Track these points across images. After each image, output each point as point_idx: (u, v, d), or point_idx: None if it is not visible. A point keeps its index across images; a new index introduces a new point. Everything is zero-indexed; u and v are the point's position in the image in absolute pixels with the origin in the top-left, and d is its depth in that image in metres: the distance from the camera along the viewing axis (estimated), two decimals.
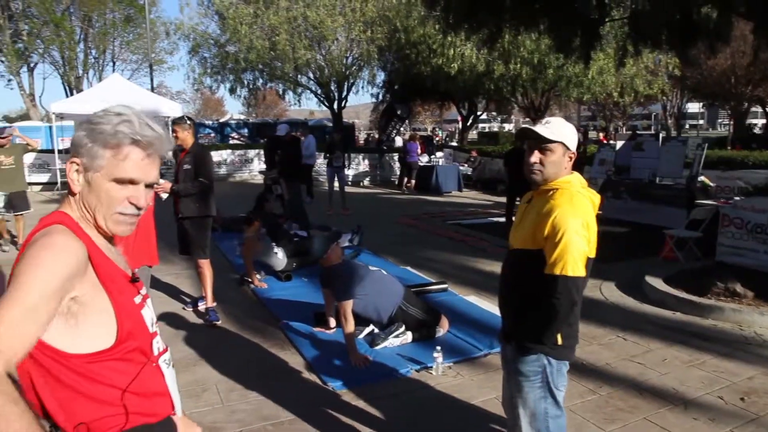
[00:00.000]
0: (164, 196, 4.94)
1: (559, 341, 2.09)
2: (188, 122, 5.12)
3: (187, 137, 5.04)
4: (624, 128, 42.43)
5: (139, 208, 1.28)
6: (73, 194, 1.27)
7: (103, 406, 1.22)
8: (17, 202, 7.47)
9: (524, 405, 2.21)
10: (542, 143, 2.09)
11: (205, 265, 5.09)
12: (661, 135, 11.92)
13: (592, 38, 9.53)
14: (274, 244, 6.37)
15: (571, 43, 9.54)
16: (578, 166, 8.87)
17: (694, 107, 46.92)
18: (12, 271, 1.15)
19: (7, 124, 21.78)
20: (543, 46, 16.57)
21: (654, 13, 7.85)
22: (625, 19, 9.59)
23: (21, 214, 7.51)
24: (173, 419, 1.38)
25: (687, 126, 47.60)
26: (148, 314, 1.36)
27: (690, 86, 29.48)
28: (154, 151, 1.27)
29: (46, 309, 1.11)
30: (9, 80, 24.82)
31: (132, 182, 1.25)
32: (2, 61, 24.10)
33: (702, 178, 9.47)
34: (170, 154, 4.78)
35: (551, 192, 2.11)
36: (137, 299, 1.32)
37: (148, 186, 1.29)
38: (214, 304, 5.13)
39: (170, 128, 5.17)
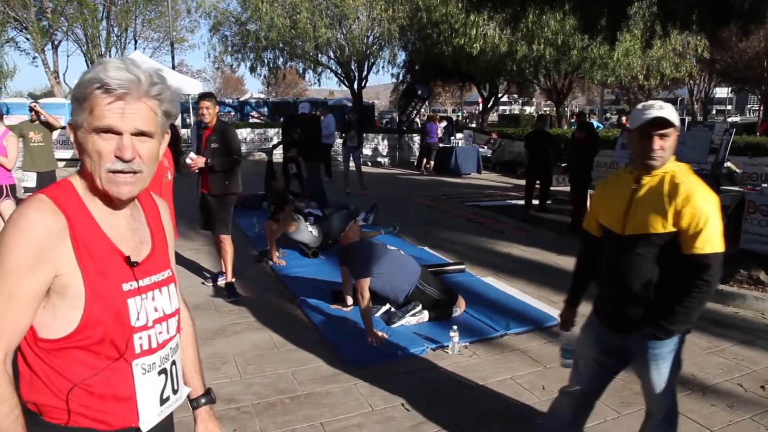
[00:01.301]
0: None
1: None
2: (212, 98, 5.11)
3: (215, 114, 5.04)
4: None
5: (125, 161, 1.13)
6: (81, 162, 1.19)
7: (51, 396, 1.15)
8: (46, 183, 7.41)
9: (657, 385, 2.25)
10: (664, 129, 2.08)
11: (227, 240, 5.14)
12: (686, 119, 11.66)
13: (619, 18, 9.30)
14: (307, 223, 6.46)
15: (596, 23, 9.34)
16: (591, 152, 8.64)
17: (722, 92, 45.70)
18: None
19: (32, 101, 21.99)
20: (567, 27, 16.24)
21: None
22: None
23: None
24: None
25: (714, 111, 46.51)
26: (141, 305, 1.20)
27: (719, 70, 28.72)
28: (127, 94, 1.12)
29: (25, 292, 1.07)
30: (34, 58, 25.12)
31: (112, 131, 1.12)
32: (27, 39, 24.36)
33: (728, 164, 9.26)
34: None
35: (669, 176, 2.12)
36: (128, 285, 1.18)
37: (140, 135, 1.15)
38: (234, 279, 5.18)
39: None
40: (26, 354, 1.14)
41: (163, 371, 1.27)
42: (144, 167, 1.16)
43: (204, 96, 5.12)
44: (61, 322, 1.12)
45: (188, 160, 4.99)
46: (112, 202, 1.20)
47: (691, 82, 33.09)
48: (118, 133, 1.13)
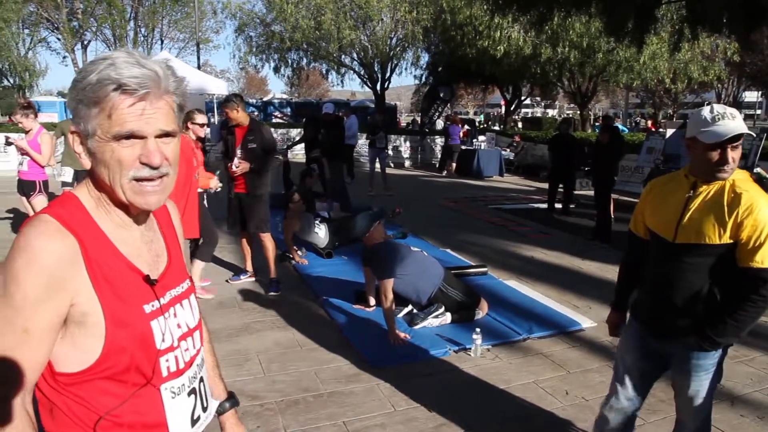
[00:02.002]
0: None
1: None
2: (235, 100, 5.07)
3: (240, 116, 5.02)
4: (675, 117, 40.97)
5: (154, 167, 1.03)
6: (91, 172, 1.08)
7: (77, 429, 1.06)
8: (79, 182, 7.50)
9: (695, 395, 2.19)
10: (738, 141, 1.97)
11: (267, 238, 5.22)
12: None
13: (647, 21, 9.21)
14: (317, 221, 6.46)
15: (623, 26, 9.25)
16: (614, 156, 8.44)
17: (751, 96, 44.80)
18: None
19: (63, 99, 22.50)
20: (593, 29, 16.09)
21: None
22: (682, 0, 9.20)
23: None
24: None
25: (743, 116, 45.60)
26: (165, 325, 1.12)
27: (749, 73, 28.19)
28: (148, 93, 1.01)
29: (39, 325, 0.98)
30: (64, 57, 25.74)
31: (135, 136, 1.01)
32: (58, 39, 24.97)
33: (758, 169, 9.07)
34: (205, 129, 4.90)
35: (729, 185, 2.03)
36: (149, 307, 1.09)
37: (164, 136, 1.05)
38: (275, 276, 5.30)
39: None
40: (43, 388, 1.05)
41: (193, 391, 1.19)
42: (170, 169, 1.06)
43: (224, 101, 5.13)
44: (81, 353, 1.03)
45: (234, 167, 5.01)
46: (129, 215, 1.10)
47: (719, 85, 32.50)
48: (141, 137, 1.02)
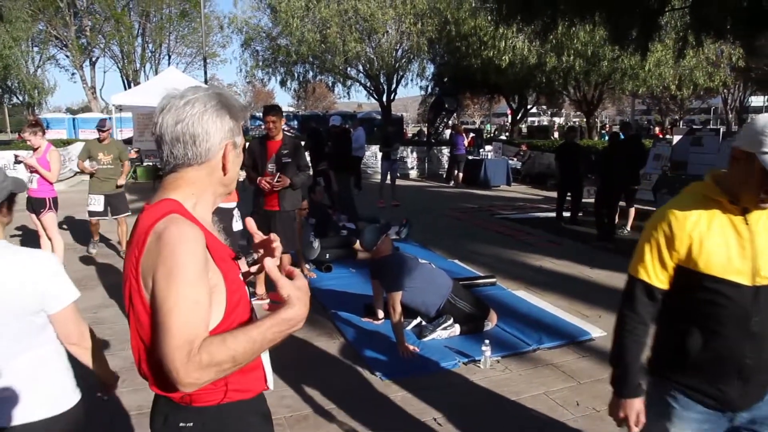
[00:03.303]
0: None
1: None
2: (281, 111, 4.91)
3: (281, 127, 4.92)
4: (681, 123, 40.82)
5: None
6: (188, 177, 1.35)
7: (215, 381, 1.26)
8: (116, 204, 7.04)
9: None
10: None
11: (286, 257, 5.17)
12: (721, 130, 11.41)
13: (651, 29, 9.23)
14: (312, 233, 6.46)
15: (628, 33, 9.27)
16: (616, 163, 8.38)
17: (758, 101, 44.60)
18: (135, 266, 1.24)
19: (71, 116, 22.75)
20: (597, 38, 16.15)
21: (719, 1, 7.51)
22: (686, 7, 9.22)
23: (119, 218, 7.09)
24: (265, 395, 1.45)
25: (749, 121, 45.42)
26: (246, 289, 1.44)
27: (755, 78, 28.04)
28: None
29: (205, 296, 1.21)
30: (72, 74, 26.14)
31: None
32: (67, 56, 25.34)
33: None
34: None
35: None
36: (241, 277, 1.41)
37: None
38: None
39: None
40: None
41: None
42: None
43: (270, 109, 4.89)
44: (214, 313, 1.27)
45: (274, 182, 4.81)
46: (210, 213, 1.42)
47: (725, 91, 32.40)
48: None
